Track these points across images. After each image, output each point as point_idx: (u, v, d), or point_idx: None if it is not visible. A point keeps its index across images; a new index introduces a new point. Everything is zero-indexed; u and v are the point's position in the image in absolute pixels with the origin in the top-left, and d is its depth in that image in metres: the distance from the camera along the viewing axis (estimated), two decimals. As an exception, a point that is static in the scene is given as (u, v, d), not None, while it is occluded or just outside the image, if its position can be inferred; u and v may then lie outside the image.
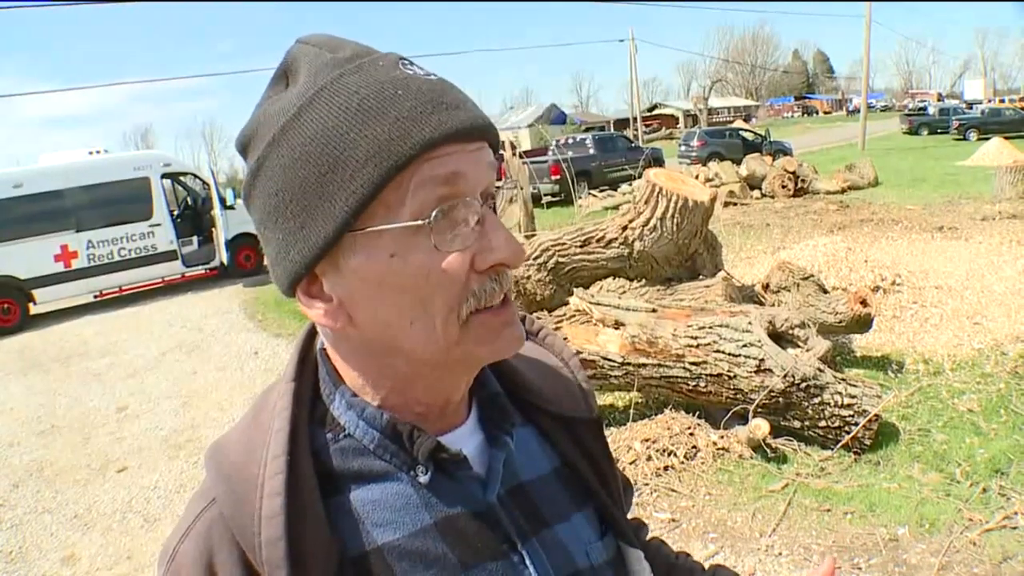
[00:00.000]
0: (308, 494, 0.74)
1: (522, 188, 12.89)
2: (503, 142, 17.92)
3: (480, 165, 0.75)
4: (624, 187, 21.32)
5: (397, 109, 0.70)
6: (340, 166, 0.69)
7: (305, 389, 0.82)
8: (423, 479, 0.79)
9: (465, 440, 0.85)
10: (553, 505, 0.90)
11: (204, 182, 17.14)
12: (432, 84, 0.74)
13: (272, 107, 0.75)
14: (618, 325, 5.67)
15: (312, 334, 0.88)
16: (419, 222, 0.70)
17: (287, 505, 0.71)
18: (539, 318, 6.61)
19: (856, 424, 4.81)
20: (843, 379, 5.05)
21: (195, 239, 17.01)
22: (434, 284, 0.72)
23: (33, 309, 14.72)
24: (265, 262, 0.83)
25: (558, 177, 20.79)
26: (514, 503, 0.85)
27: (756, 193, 18.42)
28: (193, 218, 17.32)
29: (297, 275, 0.75)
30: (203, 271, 16.52)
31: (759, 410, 4.95)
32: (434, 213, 0.70)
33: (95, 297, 15.47)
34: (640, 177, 7.17)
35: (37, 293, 14.52)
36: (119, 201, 15.40)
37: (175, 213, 16.92)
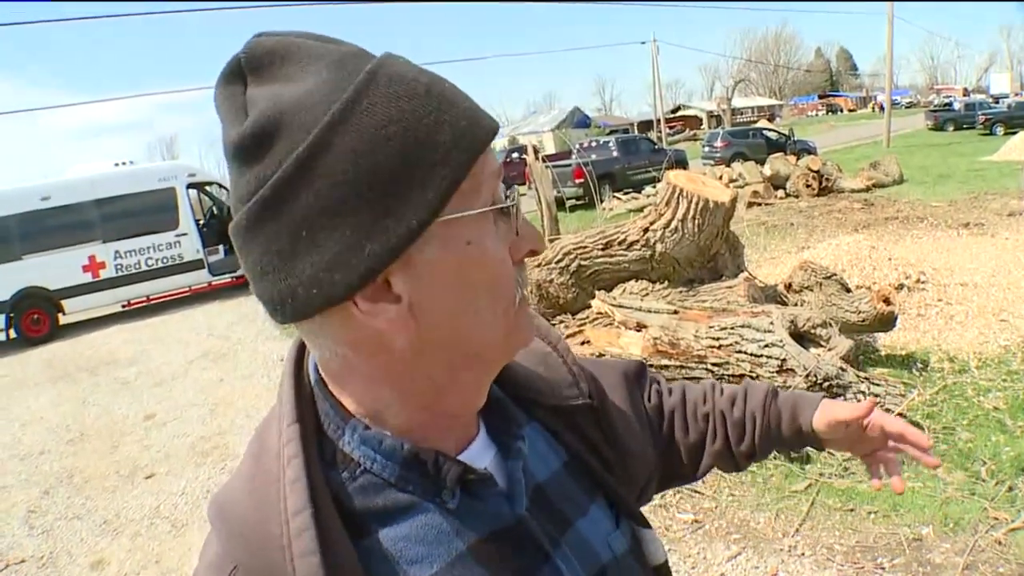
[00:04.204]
0: (340, 545, 0.69)
1: (524, 195, 12.86)
2: (526, 146, 17.93)
3: None
4: (648, 189, 21.25)
5: (460, 98, 0.71)
6: (426, 151, 0.66)
7: (308, 429, 0.76)
8: (451, 505, 0.76)
9: (481, 455, 0.82)
10: (570, 501, 0.88)
11: (229, 191, 17.23)
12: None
13: (296, 96, 0.66)
14: (640, 327, 5.66)
15: (300, 367, 0.81)
16: (492, 207, 0.72)
17: (324, 564, 0.66)
18: (561, 321, 6.63)
19: (880, 423, 4.77)
20: (866, 378, 5.02)
21: (221, 248, 17.03)
22: (503, 272, 0.73)
23: (62, 319, 14.92)
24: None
25: (581, 180, 20.74)
26: (538, 509, 0.83)
27: (780, 193, 18.28)
28: (219, 227, 17.38)
29: (370, 274, 0.67)
30: (229, 279, 16.62)
31: (781, 410, 4.92)
32: (506, 198, 0.73)
33: (123, 307, 15.66)
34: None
35: (66, 303, 14.73)
36: (145, 212, 15.61)
37: (201, 222, 17.05)
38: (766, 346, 5.05)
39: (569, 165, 22.02)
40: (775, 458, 4.90)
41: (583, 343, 5.72)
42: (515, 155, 32.58)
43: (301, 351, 0.82)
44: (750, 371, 5.02)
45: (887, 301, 6.18)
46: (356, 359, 0.73)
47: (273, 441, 0.75)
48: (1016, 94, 63.81)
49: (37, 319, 14.43)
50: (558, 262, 6.89)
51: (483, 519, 0.78)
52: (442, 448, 0.77)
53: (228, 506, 0.75)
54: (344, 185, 0.64)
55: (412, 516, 0.75)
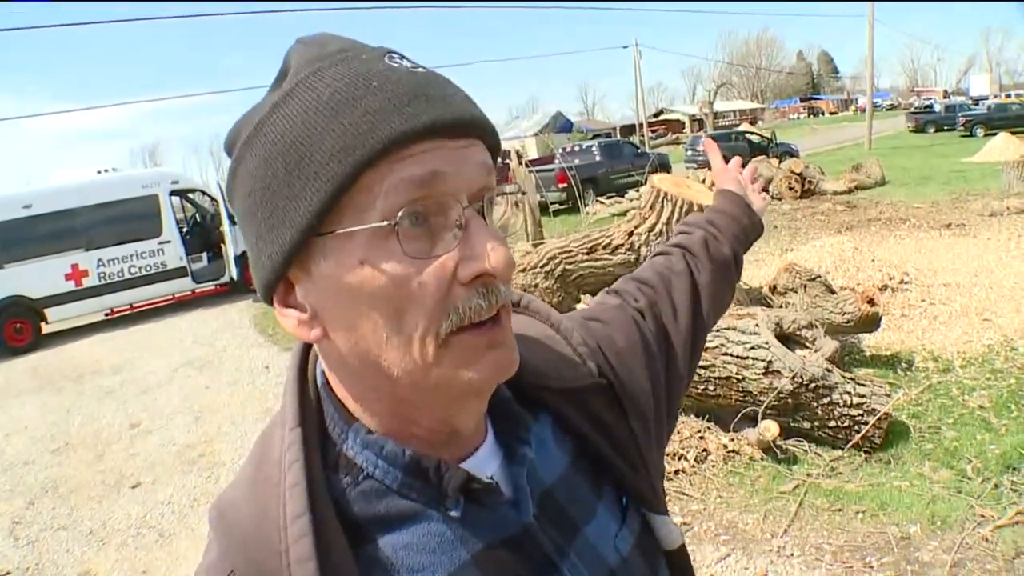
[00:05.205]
0: (338, 552, 0.67)
1: (525, 194, 12.87)
2: (509, 151, 17.95)
3: (466, 164, 0.67)
4: (631, 193, 21.23)
5: (368, 101, 0.64)
6: (305, 163, 0.64)
7: (311, 432, 0.74)
8: (454, 513, 0.72)
9: (488, 461, 0.79)
10: (578, 504, 0.85)
11: (212, 198, 17.21)
12: (415, 76, 0.67)
13: (256, 107, 0.71)
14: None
15: (303, 372, 0.80)
16: (385, 223, 0.64)
17: (321, 571, 0.65)
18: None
19: (866, 423, 4.81)
20: (852, 379, 5.05)
21: (204, 255, 16.97)
22: (409, 295, 0.65)
23: (45, 328, 14.79)
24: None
25: (565, 185, 20.74)
26: (545, 515, 0.80)
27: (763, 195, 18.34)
28: (202, 234, 17.29)
29: (269, 281, 0.70)
30: (213, 287, 16.50)
31: (768, 412, 4.95)
32: (400, 213, 0.64)
33: (106, 315, 15.52)
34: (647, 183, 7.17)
35: (49, 312, 14.58)
36: (128, 219, 15.46)
37: (184, 230, 16.91)
38: (752, 348, 5.07)
39: (552, 170, 22.06)
40: (762, 459, 4.92)
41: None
42: (498, 160, 32.68)
43: (305, 355, 0.82)
44: (736, 373, 5.04)
45: (871, 302, 6.22)
46: (321, 355, 0.76)
47: (275, 446, 0.73)
48: (995, 96, 64.31)
49: (19, 328, 14.29)
50: (543, 267, 6.89)
51: (488, 528, 0.75)
52: (445, 454, 0.74)
53: (228, 511, 0.73)
54: (248, 197, 0.69)
55: (414, 524, 0.73)
